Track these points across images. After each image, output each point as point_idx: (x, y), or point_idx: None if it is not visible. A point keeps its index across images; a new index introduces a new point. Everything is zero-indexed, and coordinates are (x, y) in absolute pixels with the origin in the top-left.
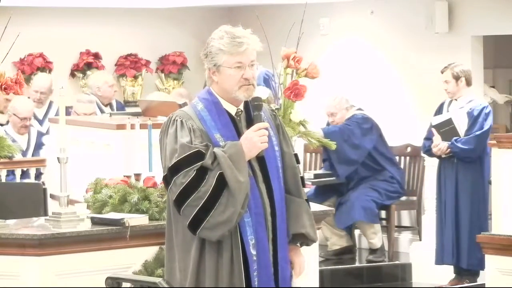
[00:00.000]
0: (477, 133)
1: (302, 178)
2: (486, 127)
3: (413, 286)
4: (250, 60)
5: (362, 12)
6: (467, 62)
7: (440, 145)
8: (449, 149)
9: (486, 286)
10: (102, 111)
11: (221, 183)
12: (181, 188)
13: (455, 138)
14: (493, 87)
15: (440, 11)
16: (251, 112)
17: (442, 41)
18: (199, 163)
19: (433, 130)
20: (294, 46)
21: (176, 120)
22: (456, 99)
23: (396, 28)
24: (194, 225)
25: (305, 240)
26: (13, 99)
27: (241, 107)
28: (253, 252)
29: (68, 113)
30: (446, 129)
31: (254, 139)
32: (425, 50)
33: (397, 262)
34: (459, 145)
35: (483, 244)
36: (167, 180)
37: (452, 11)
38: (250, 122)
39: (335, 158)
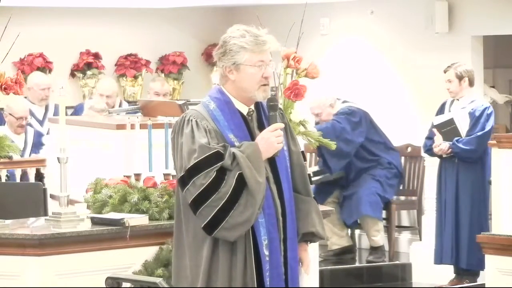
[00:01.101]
0: (479, 133)
1: (309, 175)
2: (488, 127)
3: (413, 286)
4: (269, 59)
5: (362, 12)
6: (467, 62)
7: (441, 145)
8: (450, 149)
9: (486, 286)
10: None
11: (240, 184)
12: (201, 189)
13: (456, 138)
14: (493, 87)
15: (440, 11)
16: (261, 112)
17: (442, 41)
18: (219, 164)
19: (435, 130)
20: (294, 46)
21: (191, 120)
22: (458, 99)
23: (396, 28)
24: (212, 226)
25: (314, 238)
26: (8, 100)
27: (252, 106)
28: (266, 252)
29: (80, 108)
30: (448, 129)
31: (272, 139)
32: (425, 50)
33: (397, 262)
34: (461, 145)
35: (483, 244)
36: (184, 180)
37: (452, 11)
38: (261, 122)
39: (327, 153)
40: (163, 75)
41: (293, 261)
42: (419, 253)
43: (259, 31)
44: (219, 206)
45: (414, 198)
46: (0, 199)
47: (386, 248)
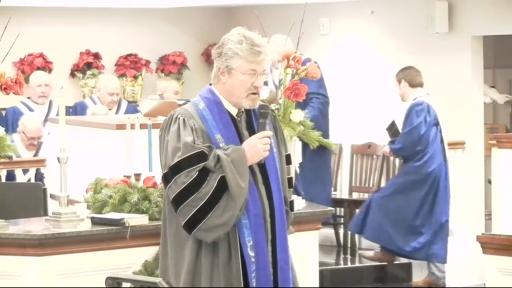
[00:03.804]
0: (404, 131)
1: (291, 179)
2: (414, 123)
3: (413, 286)
4: (262, 70)
5: (362, 12)
6: (467, 62)
7: (384, 147)
8: (390, 151)
9: (486, 286)
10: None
11: (222, 186)
12: (181, 188)
13: (390, 140)
14: (493, 87)
15: (440, 11)
16: (251, 113)
17: (442, 41)
18: (202, 164)
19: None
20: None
21: (178, 118)
22: (406, 101)
23: (396, 28)
24: (191, 225)
25: None
26: (23, 116)
27: (243, 108)
28: (251, 253)
29: (81, 106)
30: (393, 131)
31: (258, 146)
32: (425, 50)
33: (397, 262)
34: (391, 146)
35: (483, 244)
36: (167, 178)
37: (452, 11)
38: (250, 123)
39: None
40: (163, 75)
41: (283, 262)
42: None
43: (258, 39)
44: (198, 207)
45: None
46: (0, 199)
47: None
